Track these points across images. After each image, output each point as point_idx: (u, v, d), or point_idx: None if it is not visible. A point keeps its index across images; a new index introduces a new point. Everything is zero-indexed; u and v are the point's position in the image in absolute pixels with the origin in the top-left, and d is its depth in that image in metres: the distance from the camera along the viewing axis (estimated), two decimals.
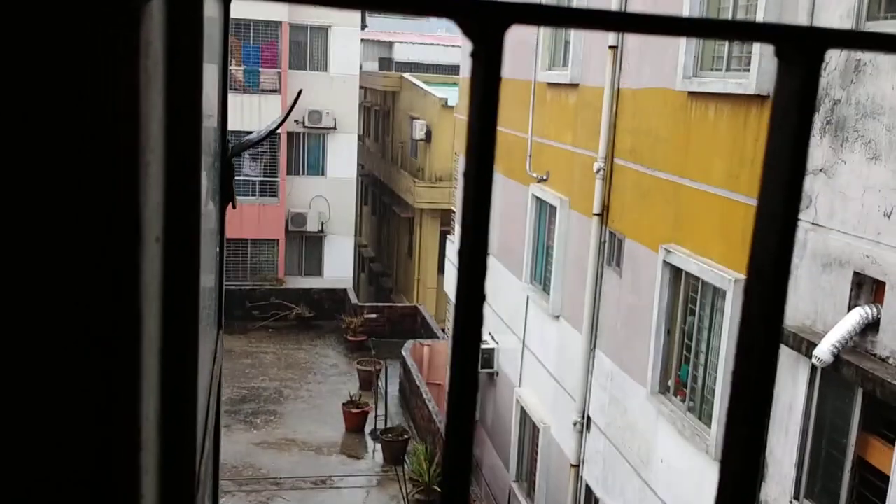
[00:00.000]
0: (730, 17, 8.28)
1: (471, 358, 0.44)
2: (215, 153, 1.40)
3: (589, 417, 11.18)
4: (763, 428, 0.51)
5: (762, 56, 7.48)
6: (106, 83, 0.42)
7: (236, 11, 24.45)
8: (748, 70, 7.78)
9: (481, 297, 0.41)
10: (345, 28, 26.34)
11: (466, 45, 0.39)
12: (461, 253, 0.38)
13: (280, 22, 25.28)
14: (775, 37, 0.38)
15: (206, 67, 1.29)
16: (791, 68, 0.38)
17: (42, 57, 0.43)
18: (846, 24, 6.58)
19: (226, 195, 1.46)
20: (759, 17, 7.49)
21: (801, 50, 0.38)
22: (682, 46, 8.79)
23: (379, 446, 16.98)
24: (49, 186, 0.45)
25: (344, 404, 18.06)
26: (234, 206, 1.64)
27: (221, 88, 1.54)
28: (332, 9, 0.39)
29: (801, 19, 6.99)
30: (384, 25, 44.23)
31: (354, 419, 17.84)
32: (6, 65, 0.43)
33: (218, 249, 1.57)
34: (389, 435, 16.84)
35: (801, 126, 0.38)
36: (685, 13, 8.69)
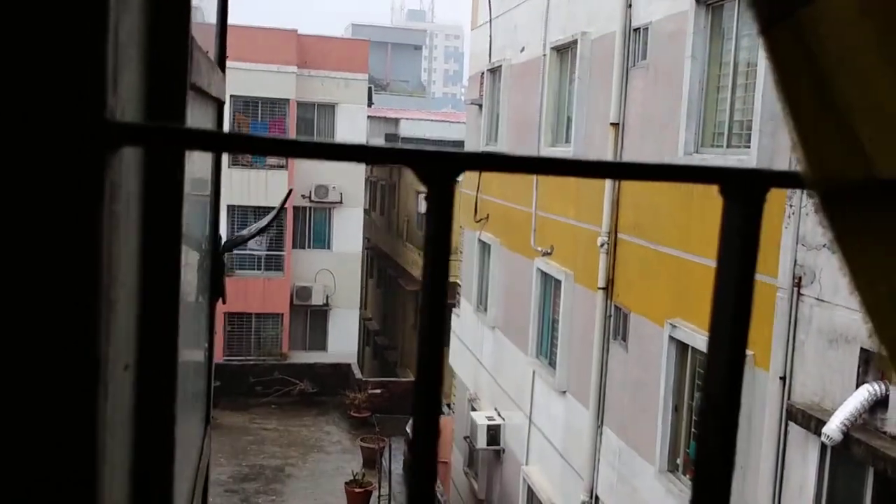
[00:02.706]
0: (728, 98, 8.42)
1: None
2: (206, 250, 1.42)
3: (597, 497, 10.95)
4: None
5: (762, 133, 7.58)
6: (67, 228, 0.44)
7: (245, 90, 24.95)
8: (748, 147, 7.88)
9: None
10: (351, 105, 26.84)
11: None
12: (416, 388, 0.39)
13: (288, 100, 25.78)
14: (719, 178, 0.40)
15: (197, 161, 1.31)
16: (735, 206, 0.39)
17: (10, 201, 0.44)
18: None
19: (216, 291, 1.47)
20: (758, 99, 7.62)
21: (744, 190, 0.39)
22: (683, 123, 8.93)
23: None
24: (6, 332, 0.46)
25: (347, 483, 17.73)
26: (223, 302, 1.65)
27: (214, 182, 1.57)
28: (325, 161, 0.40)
29: None
30: (390, 102, 45.14)
31: (357, 499, 17.48)
32: None
33: (207, 345, 1.57)
34: None
35: (745, 261, 0.39)
36: (684, 94, 8.85)
